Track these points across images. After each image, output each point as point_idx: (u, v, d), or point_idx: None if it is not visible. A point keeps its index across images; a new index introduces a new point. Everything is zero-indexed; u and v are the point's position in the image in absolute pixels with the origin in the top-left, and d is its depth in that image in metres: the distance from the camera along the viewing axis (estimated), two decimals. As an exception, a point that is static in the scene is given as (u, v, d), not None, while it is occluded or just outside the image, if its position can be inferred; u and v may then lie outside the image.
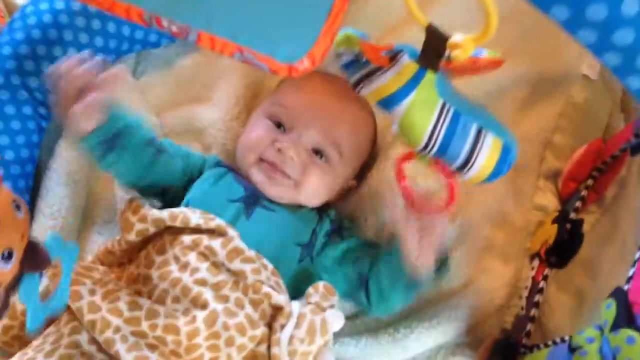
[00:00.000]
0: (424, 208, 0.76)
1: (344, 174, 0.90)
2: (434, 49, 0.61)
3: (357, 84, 0.71)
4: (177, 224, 0.77)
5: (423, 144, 0.68)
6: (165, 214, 0.78)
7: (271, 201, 0.86)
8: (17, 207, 0.57)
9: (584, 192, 0.93)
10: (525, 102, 1.04)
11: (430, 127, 0.67)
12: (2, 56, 0.91)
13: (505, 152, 0.69)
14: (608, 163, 0.91)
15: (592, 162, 0.93)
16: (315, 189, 0.86)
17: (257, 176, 0.85)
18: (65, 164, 0.94)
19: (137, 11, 0.51)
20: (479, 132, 0.68)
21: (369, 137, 0.94)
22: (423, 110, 0.66)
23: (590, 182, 0.93)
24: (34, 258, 0.59)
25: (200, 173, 0.89)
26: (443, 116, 0.67)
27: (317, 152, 0.87)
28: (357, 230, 0.91)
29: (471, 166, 0.69)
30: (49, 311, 0.66)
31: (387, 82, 0.66)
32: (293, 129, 0.86)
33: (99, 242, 0.92)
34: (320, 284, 0.77)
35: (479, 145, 0.68)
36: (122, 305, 0.71)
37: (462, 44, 0.58)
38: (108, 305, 0.71)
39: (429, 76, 0.65)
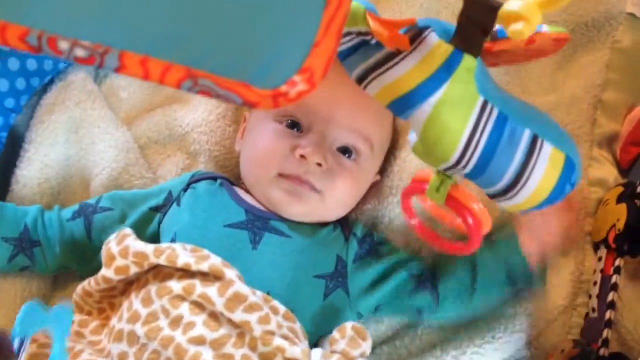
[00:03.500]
0: (444, 245, 0.64)
1: (372, 171, 0.77)
2: (478, 22, 0.43)
3: (363, 77, 0.51)
4: (162, 261, 0.63)
5: (454, 159, 0.50)
6: (149, 248, 0.64)
7: (283, 222, 0.71)
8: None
9: (650, 158, 0.78)
10: (563, 56, 0.88)
11: (465, 135, 0.48)
12: None
13: (568, 167, 0.51)
14: (679, 120, 0.75)
15: (657, 121, 0.78)
16: (343, 198, 0.72)
17: (275, 193, 0.70)
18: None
19: (17, 31, 0.33)
20: (533, 141, 0.50)
21: (391, 122, 0.79)
22: (456, 111, 0.48)
23: (657, 144, 0.78)
24: None
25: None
26: (484, 119, 0.48)
27: (344, 151, 0.72)
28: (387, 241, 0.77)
29: (521, 188, 0.51)
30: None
31: (406, 73, 0.48)
32: (312, 128, 0.71)
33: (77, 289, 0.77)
34: (348, 326, 0.62)
35: (533, 159, 0.50)
36: None
37: (525, 12, 0.41)
38: None
39: (467, 63, 0.47)
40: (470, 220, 0.53)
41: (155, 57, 0.33)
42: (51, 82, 0.84)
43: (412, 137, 0.52)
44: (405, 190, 0.59)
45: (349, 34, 0.51)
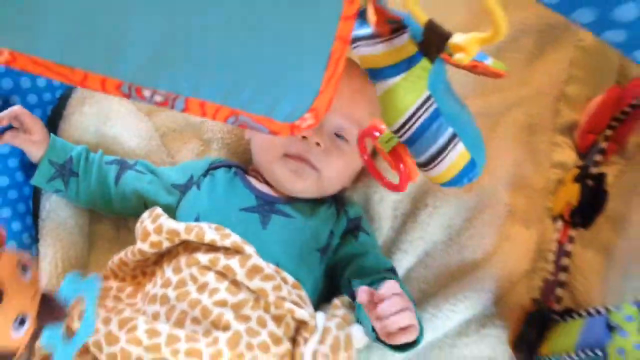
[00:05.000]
0: (382, 181, 0.73)
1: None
2: (434, 44, 0.55)
3: (353, 41, 0.63)
4: (192, 237, 0.74)
5: (395, 127, 0.63)
6: (181, 226, 0.75)
7: (286, 204, 0.82)
8: (24, 267, 0.54)
9: (603, 144, 0.89)
10: (532, 54, 0.99)
11: (407, 114, 0.61)
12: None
13: (470, 166, 0.64)
14: (628, 112, 0.86)
15: (610, 112, 0.89)
16: (337, 175, 0.83)
17: (281, 171, 0.82)
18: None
19: (114, 83, 0.45)
20: (452, 138, 0.62)
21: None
22: (406, 94, 0.60)
23: (609, 132, 0.89)
24: (51, 312, 0.57)
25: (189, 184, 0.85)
26: (424, 108, 0.61)
27: (339, 135, 0.83)
28: (373, 224, 0.88)
29: (435, 167, 0.64)
30: (75, 349, 0.65)
31: (378, 54, 0.59)
32: None
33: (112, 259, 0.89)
34: (347, 297, 0.74)
35: (446, 151, 0.62)
36: (140, 334, 0.68)
37: (465, 46, 0.52)
38: (127, 335, 0.68)
39: (424, 64, 0.59)
40: (402, 168, 0.67)
41: (209, 101, 0.45)
42: (81, 77, 0.95)
43: (378, 92, 0.64)
44: (362, 131, 0.71)
45: None
